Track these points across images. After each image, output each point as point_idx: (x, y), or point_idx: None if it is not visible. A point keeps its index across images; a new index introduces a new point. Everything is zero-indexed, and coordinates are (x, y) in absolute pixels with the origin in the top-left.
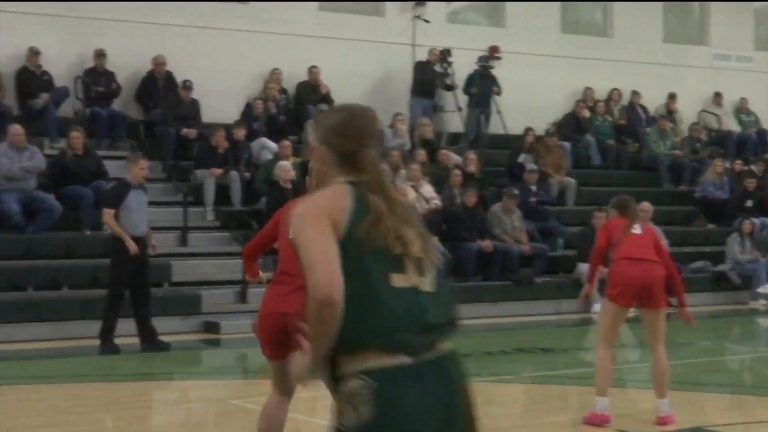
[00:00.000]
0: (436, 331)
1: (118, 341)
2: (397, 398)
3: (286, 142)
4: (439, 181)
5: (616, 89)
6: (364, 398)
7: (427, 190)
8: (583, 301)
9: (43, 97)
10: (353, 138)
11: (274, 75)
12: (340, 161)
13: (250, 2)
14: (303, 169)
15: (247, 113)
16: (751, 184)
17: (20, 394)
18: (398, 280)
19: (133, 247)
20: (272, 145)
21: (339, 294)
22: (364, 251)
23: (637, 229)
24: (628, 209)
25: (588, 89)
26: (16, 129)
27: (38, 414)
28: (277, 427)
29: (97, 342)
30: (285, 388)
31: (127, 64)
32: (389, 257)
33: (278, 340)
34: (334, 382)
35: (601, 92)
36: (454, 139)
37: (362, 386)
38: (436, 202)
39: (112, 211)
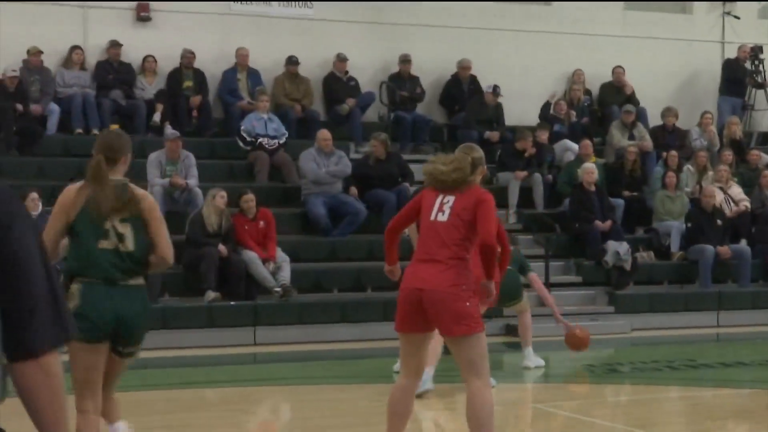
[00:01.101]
0: (124, 272)
1: None
2: (91, 298)
3: (588, 143)
4: (749, 183)
5: None
6: (76, 295)
7: (736, 191)
8: None
9: (349, 103)
10: (97, 148)
11: (577, 76)
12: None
13: (554, 3)
14: (606, 170)
15: (548, 114)
16: None
17: (326, 393)
18: (103, 244)
19: None
20: (575, 146)
21: (50, 250)
22: (85, 227)
23: None
24: None
25: None
26: (324, 134)
27: (344, 414)
28: (403, 412)
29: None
30: (413, 365)
31: (432, 68)
32: (100, 230)
33: (412, 314)
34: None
35: None
36: (765, 139)
37: (77, 288)
38: (746, 204)
39: None
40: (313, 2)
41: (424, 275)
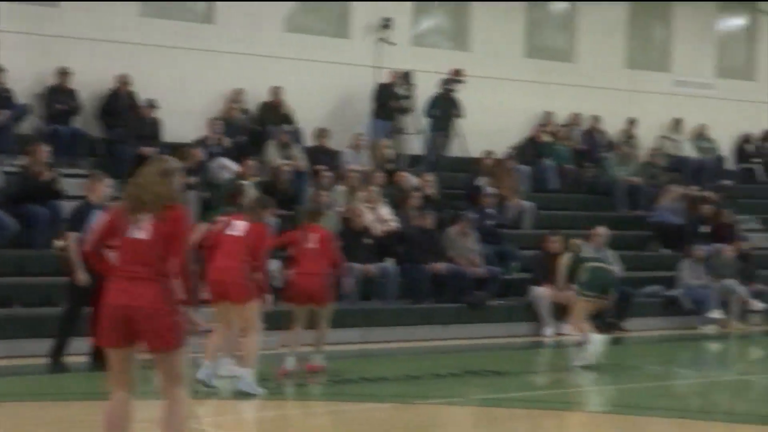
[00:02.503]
0: None
1: (69, 359)
2: None
3: (250, 162)
4: (397, 203)
5: (576, 114)
6: None
7: (385, 212)
8: None
9: (2, 114)
10: None
11: (236, 94)
12: None
13: (217, 21)
14: (264, 188)
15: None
16: (706, 210)
17: None
18: None
19: (82, 279)
20: (232, 164)
21: None
22: None
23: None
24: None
25: (548, 113)
26: None
27: None
28: (121, 425)
29: (46, 360)
30: (124, 380)
31: (91, 82)
32: None
33: (120, 330)
34: None
35: (563, 117)
36: (415, 162)
37: None
38: (393, 224)
39: (76, 235)
40: None
41: (132, 292)
